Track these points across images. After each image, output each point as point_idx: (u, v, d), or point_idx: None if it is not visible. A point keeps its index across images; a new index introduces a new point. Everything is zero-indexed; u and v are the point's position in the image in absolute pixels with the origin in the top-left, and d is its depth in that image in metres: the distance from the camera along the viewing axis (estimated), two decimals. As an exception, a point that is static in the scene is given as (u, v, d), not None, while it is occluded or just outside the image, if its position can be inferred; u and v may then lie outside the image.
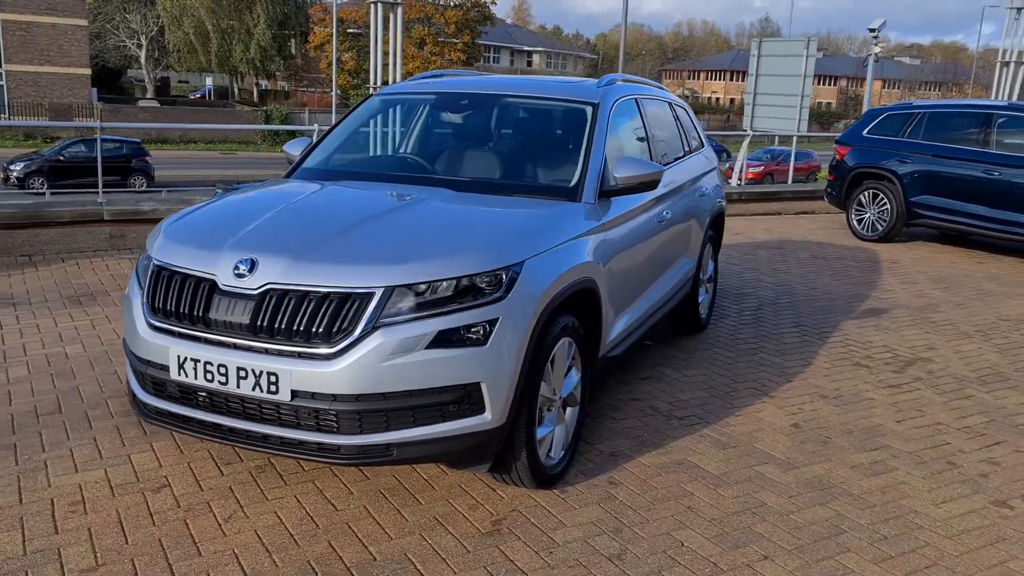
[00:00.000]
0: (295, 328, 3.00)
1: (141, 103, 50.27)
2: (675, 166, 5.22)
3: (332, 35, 38.86)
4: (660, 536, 3.28)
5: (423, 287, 3.04)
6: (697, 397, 4.79)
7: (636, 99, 4.90)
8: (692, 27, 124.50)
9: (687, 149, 5.74)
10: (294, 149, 4.67)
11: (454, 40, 47.00)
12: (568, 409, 3.78)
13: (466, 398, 3.08)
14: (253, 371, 3.02)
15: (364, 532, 3.22)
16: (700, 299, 5.96)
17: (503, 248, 3.25)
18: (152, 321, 3.26)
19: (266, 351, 3.03)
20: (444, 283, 3.06)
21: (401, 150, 4.67)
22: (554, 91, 4.61)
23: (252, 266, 3.10)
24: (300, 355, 2.99)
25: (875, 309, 7.09)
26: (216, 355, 3.07)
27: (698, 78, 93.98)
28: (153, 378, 3.29)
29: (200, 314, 3.13)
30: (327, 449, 3.04)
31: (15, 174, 26.05)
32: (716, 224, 6.18)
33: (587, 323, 3.81)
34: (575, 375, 3.75)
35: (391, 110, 4.85)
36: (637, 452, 4.01)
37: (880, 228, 10.40)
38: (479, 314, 3.08)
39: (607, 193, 4.02)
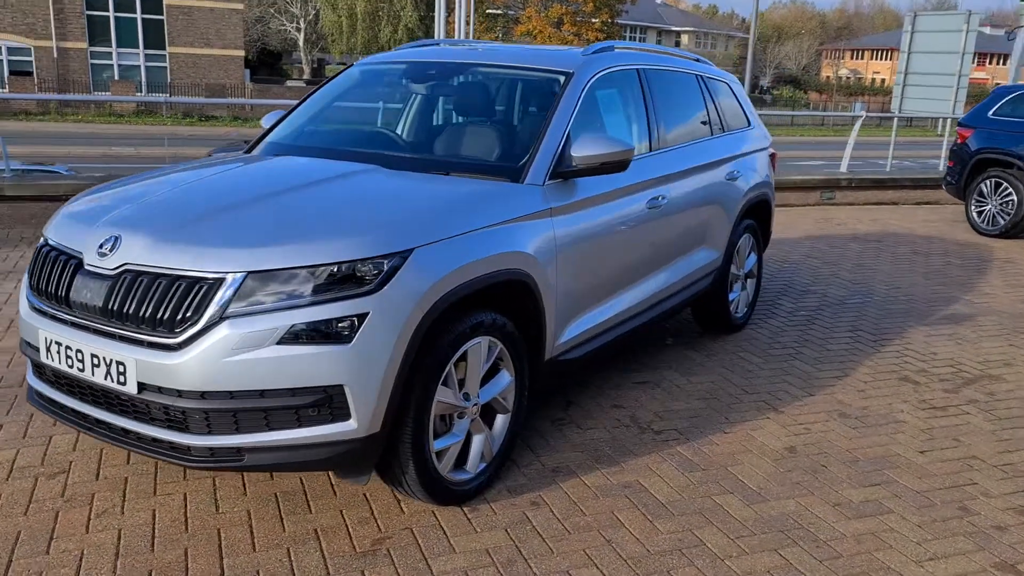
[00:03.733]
0: (143, 314, 2.73)
1: (288, 83, 52.42)
2: (687, 147, 4.63)
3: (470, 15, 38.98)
4: (556, 574, 2.82)
5: (282, 275, 2.71)
6: (691, 408, 4.22)
7: (638, 70, 4.35)
8: (859, 3, 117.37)
9: (721, 127, 5.12)
10: (268, 122, 4.43)
11: (592, 19, 46.15)
12: (499, 417, 3.36)
13: (327, 402, 2.73)
14: (104, 359, 2.79)
15: (230, 540, 2.93)
16: (732, 296, 5.32)
17: (388, 233, 2.86)
18: (31, 300, 3.09)
19: (116, 337, 2.78)
20: (304, 271, 2.71)
21: (360, 123, 4.34)
22: (531, 60, 4.14)
23: (115, 245, 2.86)
24: (147, 344, 2.73)
25: (959, 315, 6.17)
26: (75, 339, 2.86)
27: (861, 57, 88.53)
28: (33, 360, 3.13)
29: (64, 294, 2.92)
30: (178, 449, 2.77)
31: None
32: (756, 213, 5.51)
33: (524, 321, 3.38)
34: (506, 378, 3.32)
35: (369, 80, 4.52)
36: (585, 469, 3.53)
37: (1002, 222, 9.20)
38: (344, 308, 2.71)
39: (565, 174, 3.54)
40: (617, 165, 3.56)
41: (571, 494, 3.33)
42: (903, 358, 5.14)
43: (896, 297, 6.58)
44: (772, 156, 5.79)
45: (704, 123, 4.96)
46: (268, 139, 4.20)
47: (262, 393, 2.68)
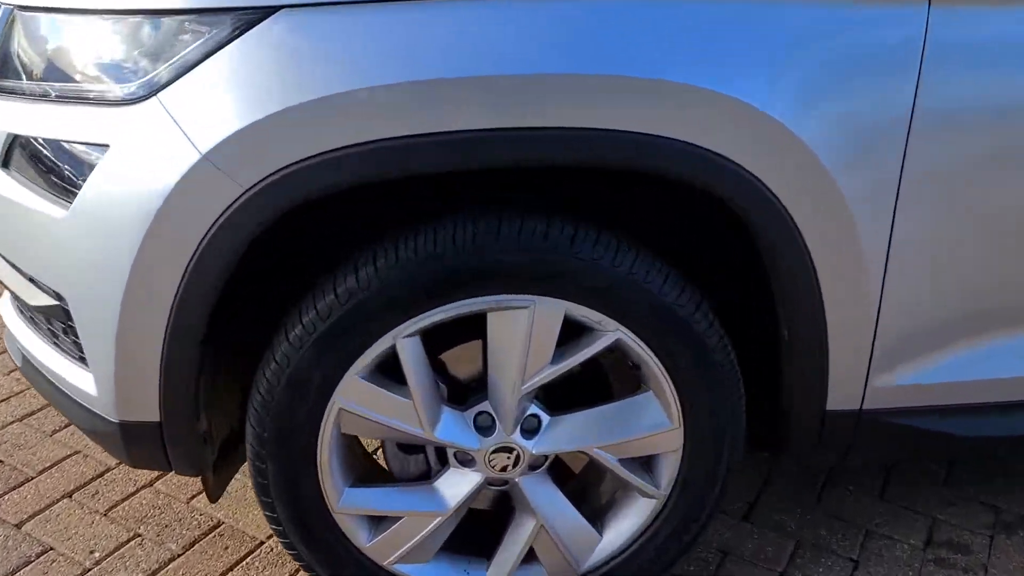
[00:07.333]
0: None
1: None
2: None
3: None
4: None
5: (46, 19, 1.22)
6: None
7: None
8: None
9: None
10: None
11: None
12: (634, 503, 1.36)
13: (66, 323, 1.26)
14: None
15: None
16: None
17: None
18: None
19: None
20: (78, 18, 1.17)
21: None
22: None
23: None
24: None
25: None
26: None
27: None
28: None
29: None
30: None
31: None
32: None
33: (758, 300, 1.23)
34: (654, 415, 1.27)
35: None
36: None
37: None
38: (78, 120, 1.14)
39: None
40: None
41: None
42: None
43: None
44: None
45: None
46: None
47: (12, 263, 1.34)
